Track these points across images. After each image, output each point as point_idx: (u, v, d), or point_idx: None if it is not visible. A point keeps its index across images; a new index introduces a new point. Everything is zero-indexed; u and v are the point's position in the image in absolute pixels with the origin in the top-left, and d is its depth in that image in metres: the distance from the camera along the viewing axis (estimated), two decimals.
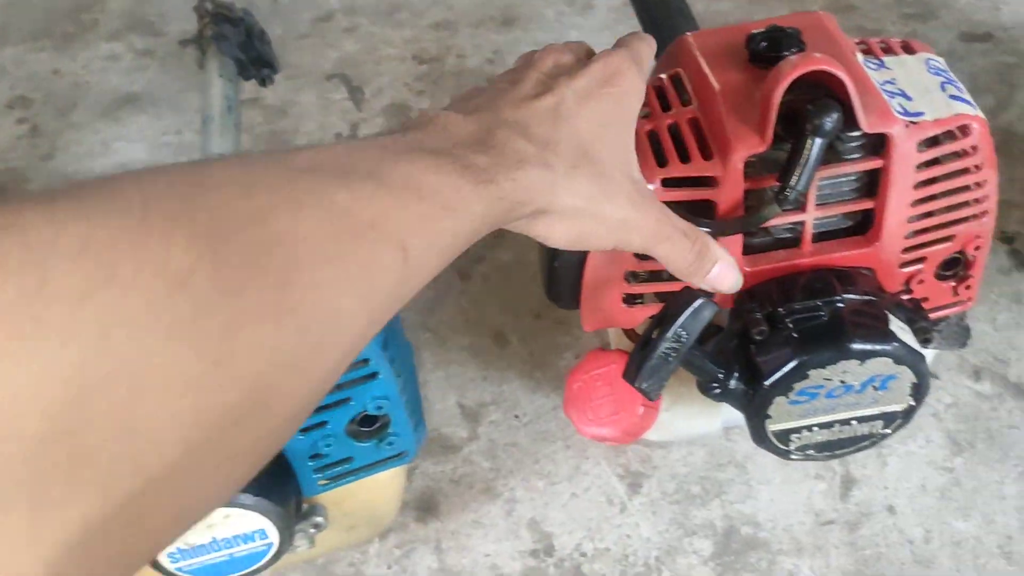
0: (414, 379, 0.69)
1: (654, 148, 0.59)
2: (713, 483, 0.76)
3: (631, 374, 0.57)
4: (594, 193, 0.48)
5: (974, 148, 0.59)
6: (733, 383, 0.60)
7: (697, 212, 0.58)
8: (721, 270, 0.56)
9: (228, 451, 0.29)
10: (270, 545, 0.62)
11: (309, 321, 0.31)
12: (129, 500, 0.26)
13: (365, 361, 0.60)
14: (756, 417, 0.61)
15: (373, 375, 0.60)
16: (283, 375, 0.30)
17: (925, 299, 0.66)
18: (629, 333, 0.68)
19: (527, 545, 0.75)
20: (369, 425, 0.64)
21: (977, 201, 0.61)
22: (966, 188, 0.61)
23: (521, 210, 0.44)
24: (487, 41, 1.22)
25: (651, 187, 0.57)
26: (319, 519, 0.67)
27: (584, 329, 0.65)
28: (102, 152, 1.16)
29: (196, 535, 0.60)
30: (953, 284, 0.66)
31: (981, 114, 0.59)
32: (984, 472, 0.74)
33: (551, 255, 0.63)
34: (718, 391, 0.60)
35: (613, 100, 0.50)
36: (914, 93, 0.59)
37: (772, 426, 0.62)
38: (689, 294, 0.56)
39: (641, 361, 0.57)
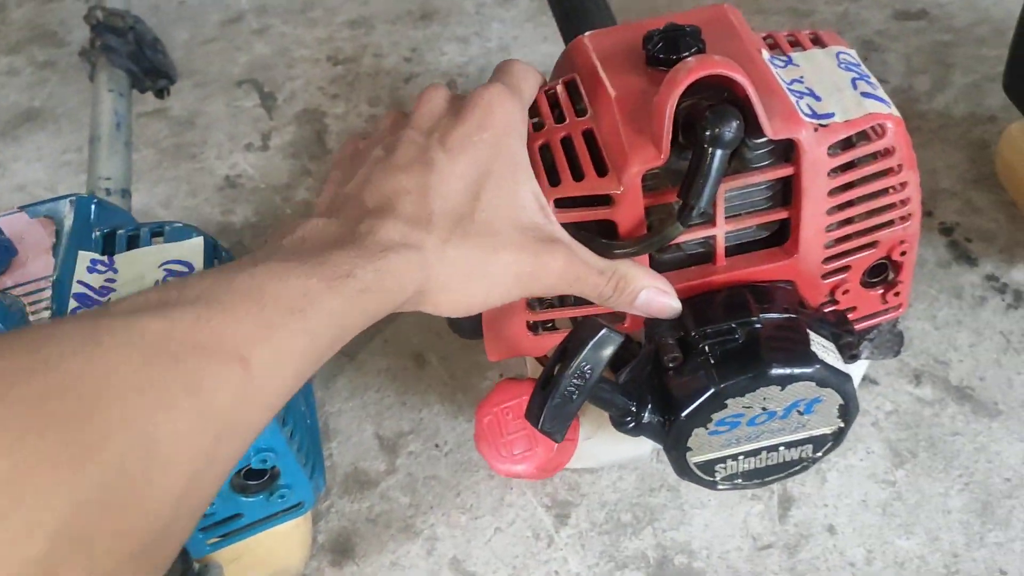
0: (311, 420, 0.64)
1: (546, 165, 0.53)
2: (645, 510, 0.72)
3: (533, 416, 0.52)
4: (476, 258, 0.46)
5: (891, 149, 0.54)
6: (647, 416, 0.55)
7: (594, 232, 0.53)
8: (649, 297, 0.52)
9: None
10: None
11: (122, 455, 0.30)
12: None
13: None
14: (675, 450, 0.56)
15: None
16: (102, 512, 0.30)
17: (853, 309, 0.61)
18: (543, 360, 0.63)
19: None
20: (256, 478, 0.58)
21: (899, 204, 0.57)
22: (885, 191, 0.56)
23: (396, 296, 0.43)
24: (405, 38, 1.16)
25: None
26: None
27: (489, 359, 0.60)
28: (0, 174, 1.09)
29: None
30: (881, 291, 0.61)
31: (896, 112, 0.54)
32: (927, 484, 0.70)
33: None
34: (632, 425, 0.56)
35: (489, 146, 0.48)
36: (823, 92, 0.54)
37: (694, 458, 0.57)
38: (591, 325, 0.51)
39: (543, 401, 0.52)
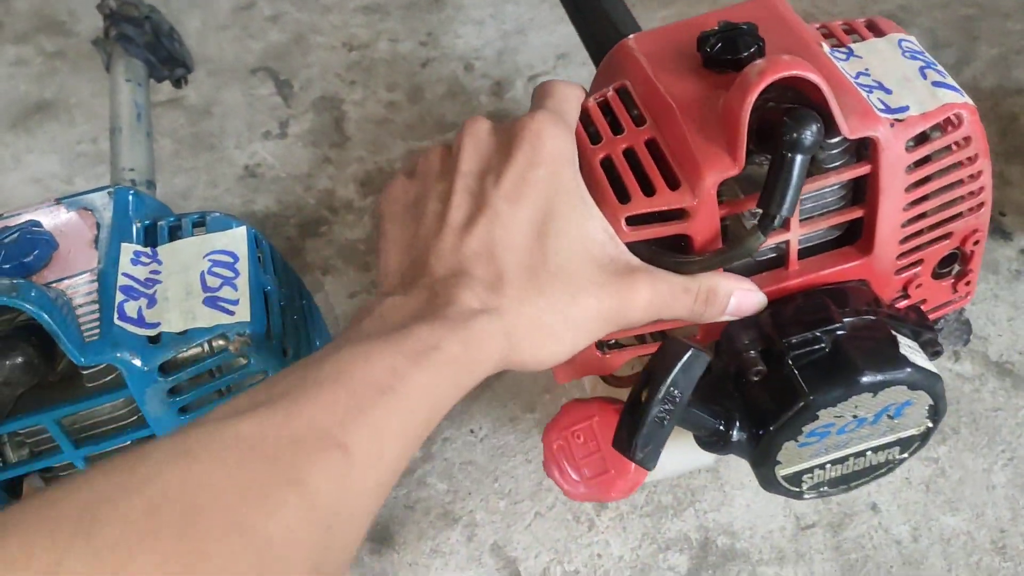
0: None
1: (612, 181, 0.50)
2: (685, 491, 0.71)
3: (624, 445, 0.50)
4: (557, 310, 0.44)
5: (967, 140, 0.52)
6: (735, 435, 0.53)
7: (671, 248, 0.51)
8: (740, 300, 0.50)
9: None
10: None
11: (234, 558, 0.30)
12: None
13: None
14: (764, 465, 0.54)
15: None
16: None
17: (923, 301, 0.59)
18: (608, 378, 0.61)
19: (491, 573, 0.69)
20: None
21: (973, 194, 0.55)
22: (960, 182, 0.54)
23: (485, 364, 0.42)
24: (420, 22, 1.15)
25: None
26: None
27: (557, 382, 0.57)
28: (13, 166, 1.08)
29: None
30: (952, 281, 0.59)
31: (971, 101, 0.52)
32: (970, 460, 0.70)
33: None
34: (720, 444, 0.53)
35: (546, 183, 0.46)
36: (893, 84, 0.52)
37: (782, 471, 0.54)
38: (676, 346, 0.48)
39: (633, 429, 0.49)
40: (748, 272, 0.54)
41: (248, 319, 0.50)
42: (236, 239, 0.55)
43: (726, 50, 0.51)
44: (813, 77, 0.47)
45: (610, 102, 0.54)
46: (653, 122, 0.52)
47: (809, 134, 0.46)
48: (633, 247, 0.49)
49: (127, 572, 0.28)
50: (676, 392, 0.48)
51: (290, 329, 0.55)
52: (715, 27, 0.52)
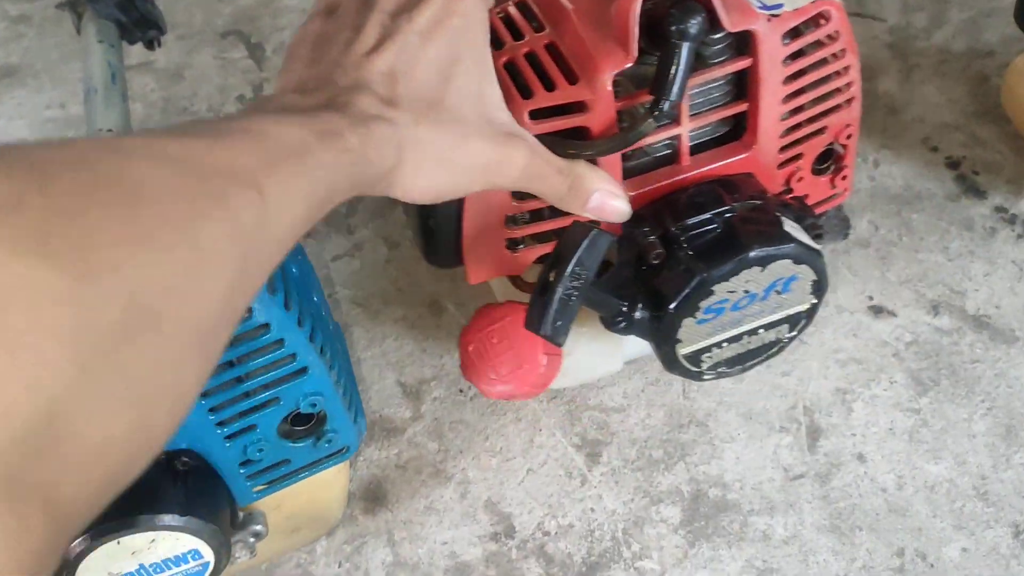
0: (348, 365, 0.64)
1: (515, 80, 0.54)
2: (675, 445, 0.72)
3: (534, 323, 0.53)
4: (445, 143, 0.47)
5: (836, 34, 0.57)
6: (638, 313, 0.57)
7: (571, 139, 0.54)
8: (601, 199, 0.53)
9: (125, 372, 0.29)
10: (206, 564, 0.56)
11: (174, 246, 0.31)
12: (28, 430, 0.26)
13: (292, 356, 0.53)
14: (666, 344, 0.58)
15: (302, 371, 0.54)
16: (163, 297, 0.30)
17: (806, 196, 0.64)
18: (516, 282, 0.64)
19: (486, 528, 0.70)
20: (303, 423, 0.58)
21: (843, 89, 0.60)
22: (832, 76, 0.59)
23: (372, 168, 0.44)
24: None
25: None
26: (258, 527, 0.61)
27: (470, 282, 0.62)
28: None
29: (120, 563, 0.53)
30: (830, 177, 0.64)
31: None
32: (951, 410, 0.72)
33: (424, 214, 0.59)
34: (624, 324, 0.57)
35: (457, 33, 0.48)
36: None
37: (682, 350, 0.59)
38: (581, 227, 0.52)
39: (543, 307, 0.53)
40: (646, 169, 0.59)
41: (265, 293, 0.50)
42: None
43: None
44: None
45: (510, 14, 0.58)
46: (552, 28, 0.56)
47: (694, 23, 0.51)
48: (540, 141, 0.53)
49: (81, 232, 0.28)
50: (581, 270, 0.52)
51: (292, 286, 0.54)
52: None
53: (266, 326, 0.51)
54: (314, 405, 0.56)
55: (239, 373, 0.52)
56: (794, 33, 0.57)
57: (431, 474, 0.73)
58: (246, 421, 0.55)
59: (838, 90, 0.60)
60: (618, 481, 0.71)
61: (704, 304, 0.57)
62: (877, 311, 0.78)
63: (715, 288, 0.56)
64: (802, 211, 0.61)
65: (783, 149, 0.61)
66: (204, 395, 0.52)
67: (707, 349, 0.60)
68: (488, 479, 0.72)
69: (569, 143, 0.54)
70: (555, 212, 0.57)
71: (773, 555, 0.66)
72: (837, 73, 0.59)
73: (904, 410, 0.72)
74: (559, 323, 0.53)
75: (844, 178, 0.65)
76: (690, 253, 0.56)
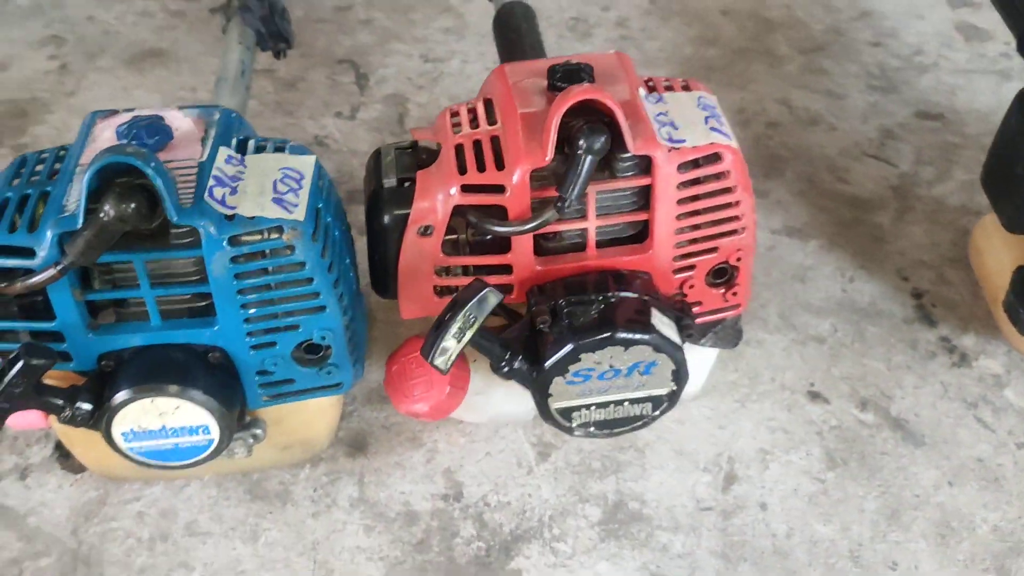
0: (362, 325, 0.79)
1: (458, 159, 0.70)
2: (613, 462, 0.85)
3: (426, 350, 0.69)
4: None
5: (727, 172, 0.71)
6: (518, 363, 0.71)
7: (492, 215, 0.70)
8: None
9: None
10: (211, 441, 0.71)
11: None
12: None
13: (316, 294, 0.69)
14: (540, 395, 0.73)
15: (322, 308, 0.70)
16: None
17: (699, 303, 0.78)
18: None
19: (440, 490, 0.83)
20: (313, 353, 0.73)
21: (735, 218, 0.74)
22: (725, 206, 0.73)
23: None
24: (490, 51, 1.32)
25: (452, 191, 0.69)
26: (258, 431, 0.76)
27: (402, 317, 0.77)
28: (122, 97, 1.25)
29: (149, 419, 0.69)
30: (723, 291, 0.78)
31: (735, 144, 0.72)
32: (851, 487, 0.83)
33: (372, 251, 0.75)
34: (506, 369, 0.72)
35: None
36: (681, 123, 0.72)
37: (554, 404, 0.73)
38: (477, 284, 0.67)
39: (434, 340, 0.68)
40: (559, 251, 0.73)
41: (302, 219, 0.66)
42: (305, 164, 0.71)
43: (564, 79, 0.71)
44: (609, 102, 0.67)
45: (476, 109, 0.75)
46: (502, 125, 0.72)
47: (597, 141, 0.66)
48: (463, 210, 0.69)
49: None
50: (471, 316, 0.66)
51: (330, 242, 0.70)
52: (562, 63, 0.72)
53: (303, 264, 0.67)
54: (324, 339, 0.71)
55: (274, 296, 0.68)
56: (692, 165, 0.71)
57: (408, 438, 0.87)
58: (270, 337, 0.70)
59: (729, 219, 0.73)
60: (557, 478, 0.84)
61: (573, 368, 0.70)
62: (814, 396, 0.90)
63: (582, 356, 0.70)
64: (681, 312, 0.75)
65: (677, 259, 0.74)
66: (242, 306, 0.68)
67: (576, 408, 0.73)
68: (453, 452, 0.86)
69: (488, 219, 0.69)
70: (478, 271, 0.72)
71: (666, 564, 0.79)
72: (729, 204, 0.73)
73: (812, 478, 0.84)
74: (445, 355, 0.68)
75: (735, 293, 0.78)
76: (567, 323, 0.70)
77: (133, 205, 0.62)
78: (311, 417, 0.79)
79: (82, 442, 0.77)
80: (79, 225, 0.63)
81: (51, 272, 0.63)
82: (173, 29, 1.37)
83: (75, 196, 0.64)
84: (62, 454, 0.85)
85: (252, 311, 0.68)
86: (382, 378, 0.90)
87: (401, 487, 0.84)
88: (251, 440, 0.76)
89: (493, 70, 0.79)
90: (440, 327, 0.68)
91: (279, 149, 0.72)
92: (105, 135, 0.69)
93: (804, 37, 1.35)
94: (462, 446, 0.87)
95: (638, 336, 0.70)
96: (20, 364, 0.63)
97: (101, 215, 0.61)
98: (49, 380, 0.67)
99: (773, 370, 0.93)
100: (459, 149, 0.72)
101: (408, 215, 0.72)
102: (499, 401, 0.81)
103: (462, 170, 0.70)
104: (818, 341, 0.95)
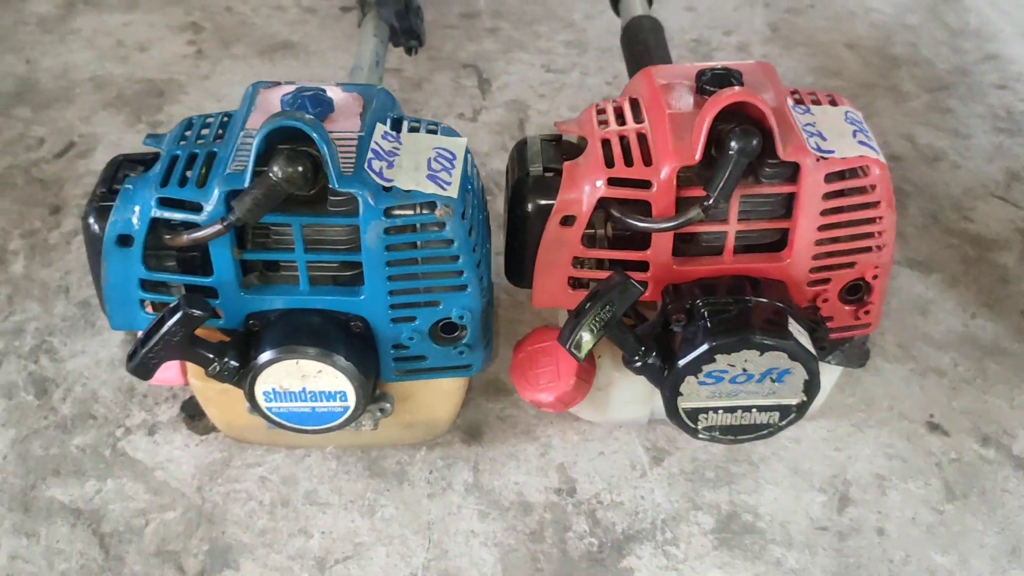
0: (491, 312, 0.80)
1: (605, 153, 0.71)
2: (726, 473, 0.85)
3: (564, 337, 0.69)
4: None
5: (874, 187, 0.71)
6: (652, 360, 0.71)
7: (635, 211, 0.71)
8: None
9: None
10: (346, 409, 0.73)
11: None
12: None
13: (460, 272, 0.70)
14: (670, 392, 0.72)
15: (463, 287, 0.71)
16: None
17: (830, 318, 0.77)
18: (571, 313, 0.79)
19: (553, 483, 0.84)
20: (449, 332, 0.74)
21: (876, 234, 0.73)
22: (867, 221, 0.72)
23: None
24: (610, 65, 1.34)
25: (599, 183, 0.70)
26: (387, 405, 0.77)
27: (534, 306, 0.78)
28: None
29: (291, 381, 0.70)
30: (855, 308, 0.77)
31: (883, 159, 0.71)
32: (971, 520, 0.82)
33: (510, 238, 0.76)
34: (639, 364, 0.72)
35: None
36: (829, 135, 0.72)
37: (683, 403, 0.73)
38: (617, 275, 0.68)
39: (573, 327, 0.68)
40: (696, 253, 0.74)
41: (455, 197, 0.68)
42: (457, 145, 0.72)
43: (715, 83, 0.72)
44: (762, 106, 0.67)
45: (622, 106, 0.75)
46: (649, 123, 0.72)
47: (750, 143, 0.66)
48: (607, 203, 0.70)
49: None
50: (610, 307, 0.67)
51: (476, 223, 0.72)
52: (714, 68, 0.73)
53: (451, 241, 0.69)
54: (462, 318, 0.72)
55: (419, 271, 0.70)
56: (838, 176, 0.70)
57: (523, 431, 0.88)
58: (410, 312, 0.72)
59: (870, 234, 0.73)
60: (671, 483, 0.84)
61: (706, 368, 0.70)
62: (933, 427, 0.89)
63: (717, 357, 0.69)
64: (815, 324, 0.74)
65: (813, 270, 0.74)
66: (389, 278, 0.69)
67: (704, 410, 0.73)
68: (567, 449, 0.86)
69: (632, 214, 0.70)
70: (613, 264, 0.73)
71: None
72: (871, 220, 0.72)
73: (930, 508, 0.83)
74: (581, 342, 0.68)
75: (868, 312, 0.77)
76: (705, 324, 0.70)
77: (300, 168, 0.64)
78: (437, 398, 0.80)
79: (218, 402, 0.79)
80: (246, 184, 0.65)
81: (217, 227, 0.65)
82: (304, 24, 1.41)
83: (243, 157, 0.66)
84: (188, 415, 0.88)
85: (397, 284, 0.70)
86: (501, 370, 0.92)
87: (515, 477, 0.84)
88: (379, 414, 0.77)
89: (638, 71, 0.80)
90: (579, 315, 0.68)
91: (431, 130, 0.74)
92: (270, 103, 0.71)
93: (930, 76, 1.34)
94: (576, 443, 0.87)
95: (775, 341, 0.69)
96: (179, 314, 0.65)
97: (270, 175, 0.64)
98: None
99: (891, 398, 0.91)
100: (606, 143, 0.73)
101: (552, 204, 0.72)
102: (618, 401, 0.82)
103: (609, 163, 0.71)
104: (938, 374, 0.94)
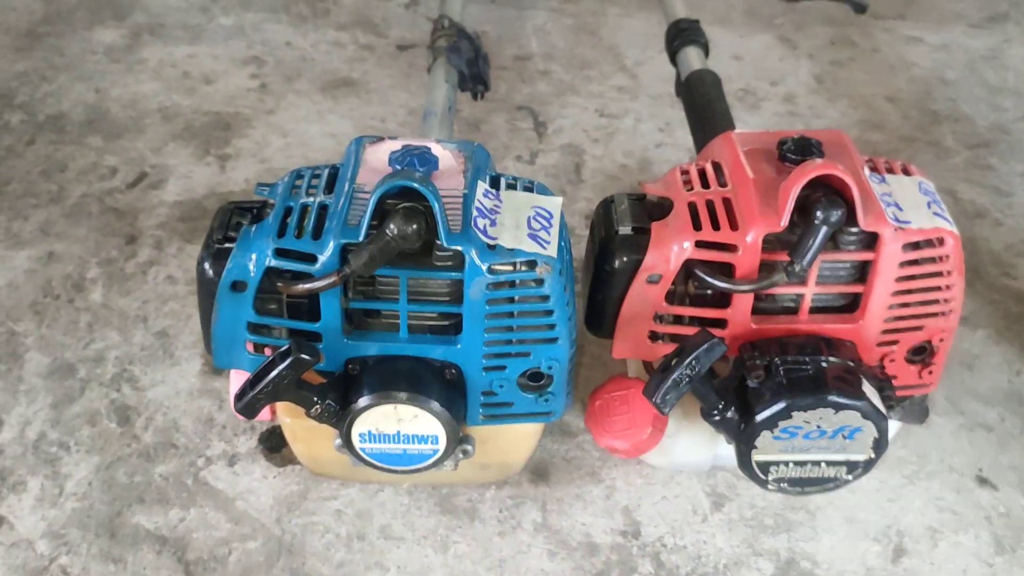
0: (575, 356, 0.83)
1: (692, 216, 0.76)
2: (785, 520, 0.88)
3: (651, 390, 0.73)
4: None
5: (947, 257, 0.75)
6: (730, 414, 0.75)
7: (719, 272, 0.75)
8: None
9: None
10: (435, 451, 0.76)
11: None
12: None
13: (552, 326, 0.74)
14: (745, 446, 0.76)
15: (554, 339, 0.75)
16: None
17: (895, 377, 0.81)
18: (647, 366, 0.84)
19: (619, 525, 0.87)
20: (535, 381, 0.78)
21: (945, 301, 0.77)
22: (938, 288, 0.77)
23: None
24: (662, 112, 1.38)
25: (686, 245, 0.74)
26: (468, 447, 0.80)
27: (614, 356, 0.82)
28: (316, 119, 1.34)
29: (387, 424, 0.74)
30: (919, 368, 0.81)
31: (957, 231, 0.75)
32: (1020, 574, 0.85)
33: (594, 288, 0.80)
34: (717, 418, 0.76)
35: None
36: (905, 205, 0.76)
37: (757, 456, 0.77)
38: (704, 335, 0.72)
39: (660, 381, 0.72)
40: (772, 312, 0.78)
41: (555, 256, 0.72)
42: (554, 204, 0.76)
43: (796, 151, 0.76)
44: (847, 179, 0.72)
45: (705, 170, 0.79)
46: (733, 188, 0.77)
47: (834, 213, 0.70)
48: (692, 264, 0.74)
49: None
50: (696, 364, 0.71)
51: (570, 279, 0.75)
52: (793, 137, 0.77)
53: (547, 297, 0.72)
54: (550, 368, 0.76)
55: (513, 324, 0.73)
56: (914, 246, 0.75)
57: (588, 473, 0.92)
58: (502, 361, 0.75)
59: (939, 300, 0.77)
60: (731, 529, 0.88)
61: (782, 424, 0.74)
62: (982, 481, 0.93)
63: (794, 414, 0.73)
64: (883, 383, 0.78)
65: (884, 332, 0.78)
66: (486, 330, 0.73)
67: (776, 463, 0.77)
68: (631, 492, 0.90)
69: (717, 275, 0.74)
70: (692, 321, 0.76)
71: None
72: (941, 288, 0.76)
73: (981, 561, 0.86)
74: (668, 396, 0.72)
75: (931, 372, 0.81)
76: (783, 381, 0.74)
77: (415, 227, 0.68)
78: (514, 441, 0.84)
79: (304, 438, 0.82)
80: (361, 238, 0.69)
81: (333, 278, 0.69)
82: (363, 61, 1.45)
83: (357, 211, 0.70)
84: (267, 448, 0.91)
85: (493, 335, 0.74)
86: (567, 413, 0.95)
87: (582, 518, 0.88)
88: (461, 455, 0.80)
89: (719, 135, 0.84)
90: (667, 370, 0.72)
91: (527, 188, 0.78)
92: (378, 158, 0.75)
93: (970, 132, 1.38)
94: (639, 487, 0.91)
95: (850, 401, 0.73)
96: (291, 358, 0.69)
97: (387, 232, 0.67)
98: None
99: (941, 451, 0.95)
100: (692, 207, 0.77)
101: (640, 262, 0.76)
102: (684, 448, 0.85)
103: (696, 226, 0.75)
104: (986, 429, 0.98)
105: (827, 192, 0.72)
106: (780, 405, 0.73)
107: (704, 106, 1.03)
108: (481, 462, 0.84)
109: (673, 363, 0.72)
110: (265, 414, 0.82)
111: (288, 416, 0.80)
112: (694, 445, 0.85)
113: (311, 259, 0.70)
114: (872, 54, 1.54)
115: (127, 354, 1.00)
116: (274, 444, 0.91)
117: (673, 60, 1.16)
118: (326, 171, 0.77)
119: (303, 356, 0.69)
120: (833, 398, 0.73)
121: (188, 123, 1.31)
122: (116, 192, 1.20)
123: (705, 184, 0.79)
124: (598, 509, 0.89)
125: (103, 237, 1.14)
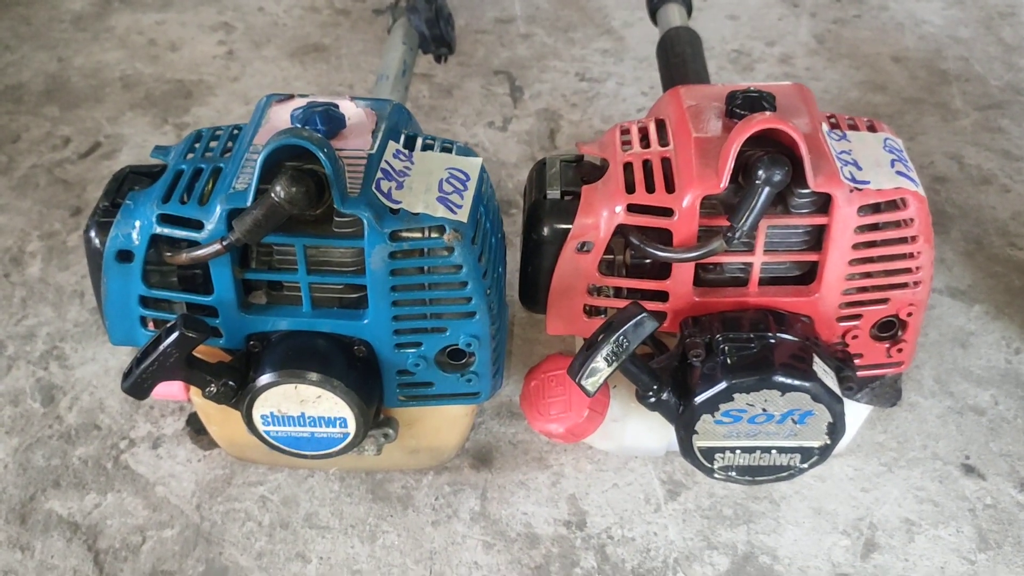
0: (504, 334, 0.77)
1: (626, 177, 0.68)
2: (745, 511, 0.81)
3: (574, 370, 0.65)
4: None
5: (911, 220, 0.67)
6: (666, 396, 0.68)
7: (655, 239, 0.67)
8: None
9: None
10: (346, 435, 0.70)
11: None
12: None
13: (468, 299, 0.67)
14: (685, 431, 0.69)
15: (472, 313, 0.68)
16: None
17: (860, 355, 0.73)
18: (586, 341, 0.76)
19: (563, 515, 0.81)
20: (456, 359, 0.71)
21: (912, 270, 0.69)
22: (902, 256, 0.68)
23: None
24: (647, 76, 1.30)
25: (618, 209, 0.66)
26: (390, 431, 0.74)
27: (548, 332, 0.75)
28: (282, 87, 1.28)
29: (289, 405, 0.68)
30: (887, 345, 0.72)
31: (922, 191, 0.67)
32: (1004, 573, 0.77)
33: (526, 262, 0.72)
34: (652, 400, 0.68)
35: None
36: (865, 164, 0.67)
37: (698, 442, 0.69)
38: (633, 308, 0.64)
39: (584, 360, 0.65)
40: (718, 284, 0.70)
41: (465, 221, 0.65)
42: (472, 166, 0.70)
43: (745, 106, 0.68)
44: (794, 134, 0.63)
45: (647, 128, 0.72)
46: (674, 147, 0.68)
47: (777, 173, 0.62)
48: (626, 230, 0.66)
49: None
50: (624, 341, 0.63)
51: (487, 248, 0.69)
52: (743, 90, 0.69)
53: (459, 267, 0.66)
54: (469, 345, 0.69)
55: (426, 296, 0.67)
56: (873, 208, 0.66)
57: (535, 458, 0.85)
58: (416, 337, 0.69)
59: (906, 270, 0.68)
60: (686, 520, 0.81)
61: (724, 407, 0.66)
62: (968, 469, 0.84)
63: (736, 396, 0.66)
64: (843, 363, 0.70)
65: (844, 306, 0.70)
66: (394, 303, 0.67)
67: (721, 450, 0.69)
68: (579, 479, 0.83)
69: (651, 242, 0.66)
70: (631, 293, 0.69)
71: None
72: (907, 255, 0.68)
73: (961, 557, 0.78)
74: (593, 378, 0.65)
75: (900, 350, 0.73)
76: (723, 360, 0.66)
77: (303, 189, 0.61)
78: (443, 424, 0.77)
79: (219, 420, 0.77)
80: (249, 203, 0.63)
81: (217, 247, 0.63)
82: (337, 26, 1.39)
83: (247, 174, 0.64)
84: (195, 429, 0.86)
85: (403, 309, 0.67)
86: (515, 393, 0.89)
87: (524, 507, 0.81)
88: (382, 439, 0.75)
89: (667, 91, 0.77)
90: (592, 348, 0.65)
91: (446, 149, 0.71)
92: (280, 118, 0.69)
93: (981, 93, 1.28)
94: (589, 473, 0.84)
95: (798, 382, 0.66)
96: (176, 334, 0.63)
97: (272, 195, 0.61)
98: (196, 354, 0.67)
99: (925, 437, 0.87)
100: (628, 167, 0.69)
101: (569, 229, 0.69)
102: (634, 432, 0.78)
103: (630, 189, 0.68)
104: (977, 412, 0.89)
105: (770, 150, 0.65)
106: (720, 386, 0.66)
107: (678, 65, 0.95)
108: (409, 446, 0.78)
109: (599, 340, 0.65)
110: (180, 393, 0.77)
111: (199, 396, 0.75)
112: (646, 429, 0.78)
113: (198, 226, 0.64)
114: (880, 12, 1.44)
115: (59, 330, 0.96)
116: (200, 426, 0.86)
117: (653, 18, 1.09)
118: (228, 131, 0.71)
119: (188, 332, 0.63)
120: (778, 378, 0.65)
121: (148, 92, 1.27)
122: (67, 163, 1.16)
123: (645, 143, 0.71)
124: (542, 497, 0.82)
125: (48, 209, 1.09)
